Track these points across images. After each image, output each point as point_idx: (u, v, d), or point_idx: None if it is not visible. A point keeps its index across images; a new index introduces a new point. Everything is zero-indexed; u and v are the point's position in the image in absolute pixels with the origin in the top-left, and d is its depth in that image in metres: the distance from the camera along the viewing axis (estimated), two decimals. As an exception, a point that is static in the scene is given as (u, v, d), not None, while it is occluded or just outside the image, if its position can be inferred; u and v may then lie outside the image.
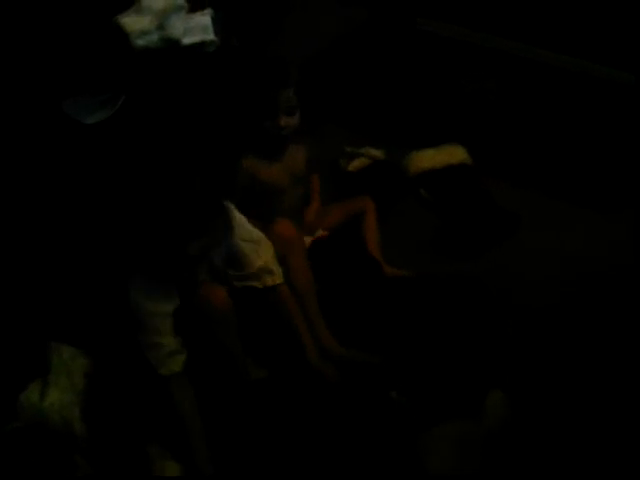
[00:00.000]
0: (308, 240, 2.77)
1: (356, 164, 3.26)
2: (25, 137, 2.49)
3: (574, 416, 2.28)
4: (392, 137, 3.32)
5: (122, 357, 2.26)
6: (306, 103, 2.68)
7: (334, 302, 2.65)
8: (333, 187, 3.15)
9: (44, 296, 2.35)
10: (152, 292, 2.20)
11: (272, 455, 2.22)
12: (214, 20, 2.66)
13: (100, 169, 2.44)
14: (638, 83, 3.26)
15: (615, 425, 2.24)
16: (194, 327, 2.25)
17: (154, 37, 2.54)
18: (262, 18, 3.11)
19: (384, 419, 2.30)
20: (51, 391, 2.15)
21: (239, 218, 2.38)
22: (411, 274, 2.80)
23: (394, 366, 2.45)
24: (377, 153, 3.27)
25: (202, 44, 2.65)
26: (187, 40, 2.62)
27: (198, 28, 2.65)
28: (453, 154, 3.26)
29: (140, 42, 2.52)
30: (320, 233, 2.87)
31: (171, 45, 2.58)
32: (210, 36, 2.67)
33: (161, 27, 2.55)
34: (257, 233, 2.44)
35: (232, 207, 2.34)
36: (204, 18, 2.66)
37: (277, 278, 2.45)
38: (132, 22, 2.49)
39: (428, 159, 3.26)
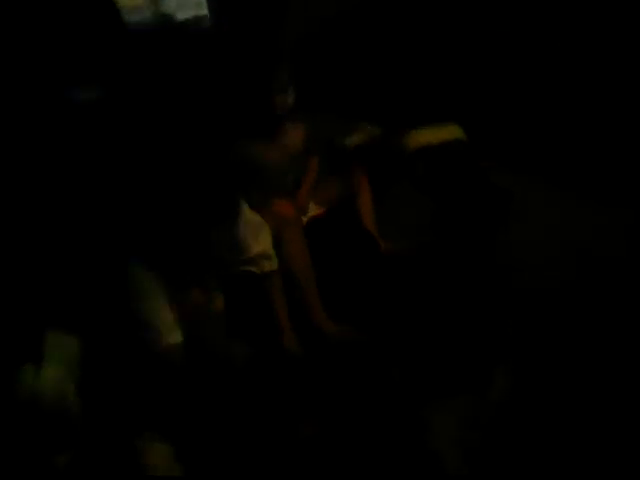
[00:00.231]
0: (303, 220, 2.76)
1: (353, 140, 3.25)
2: (24, 122, 2.48)
3: (576, 392, 2.29)
4: (389, 115, 3.30)
5: (115, 338, 2.26)
6: (301, 82, 2.67)
7: (331, 280, 2.65)
8: (328, 163, 3.14)
9: (39, 279, 2.34)
10: (150, 263, 2.20)
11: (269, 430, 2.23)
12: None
13: (95, 150, 2.42)
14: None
15: (618, 403, 2.25)
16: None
17: (147, 13, 2.53)
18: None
19: (385, 396, 2.31)
20: (46, 369, 2.15)
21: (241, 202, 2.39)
22: (408, 248, 2.80)
23: (393, 343, 2.45)
24: (373, 129, 3.26)
25: (195, 20, 2.63)
26: (181, 16, 2.61)
27: (192, 3, 2.64)
28: (449, 132, 3.27)
29: (134, 18, 2.50)
30: (314, 211, 2.86)
31: (164, 21, 2.56)
32: (204, 11, 2.65)
33: (154, 2, 2.54)
34: (257, 218, 2.44)
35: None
36: (197, -7, 2.65)
37: (274, 264, 2.46)
38: (125, -2, 2.48)
39: (425, 135, 3.26)
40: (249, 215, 2.42)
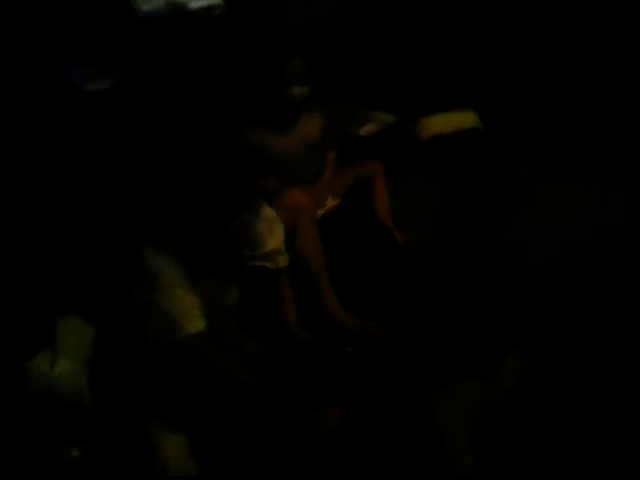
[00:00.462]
0: (320, 213, 2.74)
1: (367, 129, 3.23)
2: (39, 110, 2.47)
3: (587, 378, 2.28)
4: (403, 103, 3.28)
5: (130, 327, 2.26)
6: (316, 69, 2.64)
7: (345, 271, 2.63)
8: (342, 152, 3.12)
9: (53, 265, 2.34)
10: (166, 252, 2.19)
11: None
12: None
13: (109, 138, 2.42)
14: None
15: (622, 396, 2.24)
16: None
17: (159, 2, 2.50)
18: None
19: (396, 386, 2.30)
20: (61, 360, 2.15)
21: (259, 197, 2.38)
22: (422, 239, 2.78)
23: (407, 334, 2.44)
24: (388, 118, 3.24)
25: (208, 8, 2.60)
26: (194, 4, 2.58)
27: (205, -9, 2.60)
28: (465, 119, 3.23)
29: (145, 7, 2.47)
30: (330, 204, 2.84)
31: (177, 10, 2.54)
32: (216, 0, 2.62)
33: (167, -9, 2.51)
34: (271, 211, 2.43)
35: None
36: (210, -18, 2.61)
37: (287, 260, 2.46)
38: (137, -13, 2.45)
39: (440, 123, 3.23)
40: (266, 211, 2.41)
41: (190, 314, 2.17)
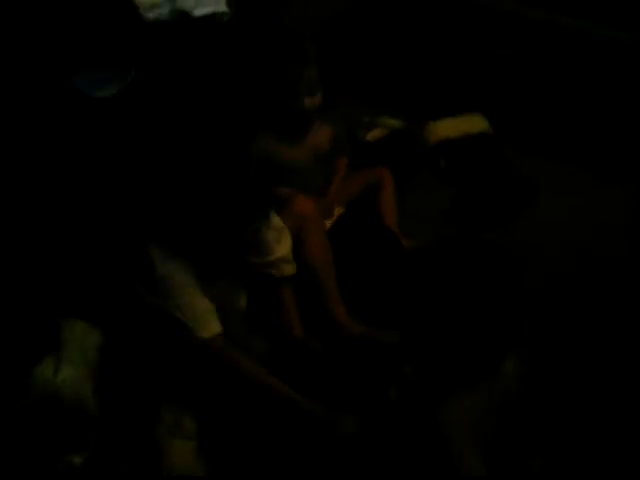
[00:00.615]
0: (328, 223, 2.74)
1: (374, 134, 3.23)
2: (42, 116, 2.49)
3: (588, 380, 2.28)
4: (410, 107, 3.28)
5: (135, 333, 2.26)
6: (322, 74, 2.64)
7: (352, 278, 2.62)
8: (350, 158, 3.11)
9: (57, 270, 2.35)
10: (177, 256, 2.18)
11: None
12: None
13: (118, 143, 2.43)
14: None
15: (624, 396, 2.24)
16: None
17: (165, 10, 2.52)
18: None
19: (399, 392, 2.30)
20: (65, 366, 2.16)
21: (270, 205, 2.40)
22: (428, 244, 2.77)
23: (411, 339, 2.43)
24: (395, 123, 3.24)
25: (214, 15, 2.61)
26: (198, 12, 2.59)
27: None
28: (473, 123, 3.22)
29: (150, 15, 2.49)
30: (337, 213, 2.84)
31: (182, 17, 2.55)
32: (222, 7, 2.63)
33: (172, -1, 2.53)
34: (279, 221, 2.44)
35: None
36: (216, -11, 2.62)
37: (293, 268, 2.45)
38: (142, -6, 2.46)
39: (448, 128, 3.23)
40: (274, 219, 2.43)
41: (204, 319, 2.17)
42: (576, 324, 2.47)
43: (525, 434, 2.14)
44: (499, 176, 3.10)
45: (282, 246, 2.43)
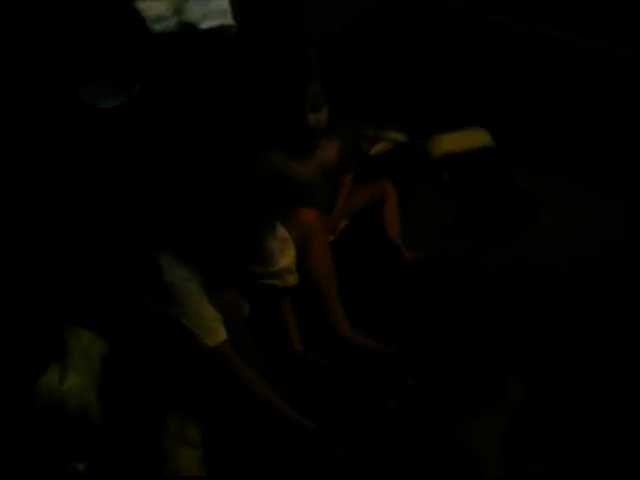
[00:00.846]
0: (331, 238, 2.75)
1: (378, 148, 3.24)
2: (48, 127, 2.50)
3: (590, 397, 2.28)
4: (414, 121, 3.29)
5: (140, 341, 2.27)
6: (326, 87, 2.65)
7: (354, 290, 2.63)
8: (355, 172, 3.13)
9: (63, 278, 2.36)
10: (183, 264, 2.20)
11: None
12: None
13: (117, 155, 2.44)
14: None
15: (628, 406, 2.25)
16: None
17: (171, 22, 2.53)
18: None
19: (400, 402, 2.30)
20: (70, 375, 2.16)
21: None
22: (430, 258, 2.78)
23: (412, 354, 2.44)
24: (399, 136, 3.25)
25: (220, 28, 2.63)
26: (205, 24, 2.61)
27: (216, 12, 2.64)
28: (476, 138, 3.24)
29: (157, 27, 2.51)
30: (342, 226, 2.84)
31: (188, 30, 2.57)
32: (229, 20, 2.65)
33: (179, 11, 2.54)
34: (285, 232, 2.45)
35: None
36: (222, 2, 2.64)
37: (295, 279, 2.46)
38: (149, 7, 2.48)
39: (451, 142, 3.24)
40: (280, 230, 2.44)
41: (210, 326, 2.18)
42: (580, 338, 2.47)
43: (525, 440, 2.14)
44: (501, 190, 3.11)
45: (286, 257, 2.44)
